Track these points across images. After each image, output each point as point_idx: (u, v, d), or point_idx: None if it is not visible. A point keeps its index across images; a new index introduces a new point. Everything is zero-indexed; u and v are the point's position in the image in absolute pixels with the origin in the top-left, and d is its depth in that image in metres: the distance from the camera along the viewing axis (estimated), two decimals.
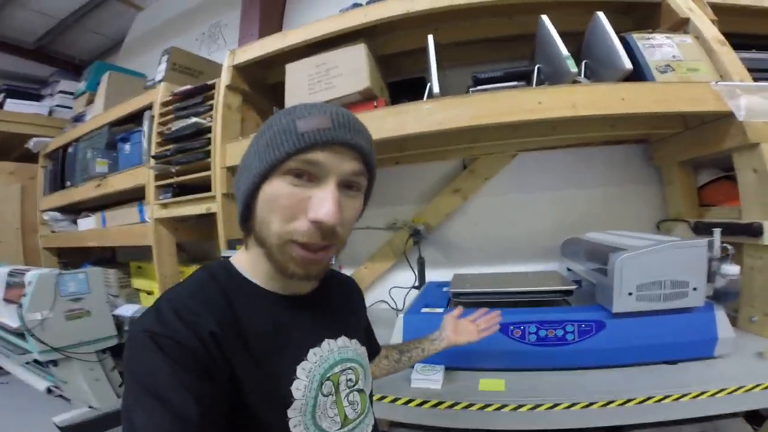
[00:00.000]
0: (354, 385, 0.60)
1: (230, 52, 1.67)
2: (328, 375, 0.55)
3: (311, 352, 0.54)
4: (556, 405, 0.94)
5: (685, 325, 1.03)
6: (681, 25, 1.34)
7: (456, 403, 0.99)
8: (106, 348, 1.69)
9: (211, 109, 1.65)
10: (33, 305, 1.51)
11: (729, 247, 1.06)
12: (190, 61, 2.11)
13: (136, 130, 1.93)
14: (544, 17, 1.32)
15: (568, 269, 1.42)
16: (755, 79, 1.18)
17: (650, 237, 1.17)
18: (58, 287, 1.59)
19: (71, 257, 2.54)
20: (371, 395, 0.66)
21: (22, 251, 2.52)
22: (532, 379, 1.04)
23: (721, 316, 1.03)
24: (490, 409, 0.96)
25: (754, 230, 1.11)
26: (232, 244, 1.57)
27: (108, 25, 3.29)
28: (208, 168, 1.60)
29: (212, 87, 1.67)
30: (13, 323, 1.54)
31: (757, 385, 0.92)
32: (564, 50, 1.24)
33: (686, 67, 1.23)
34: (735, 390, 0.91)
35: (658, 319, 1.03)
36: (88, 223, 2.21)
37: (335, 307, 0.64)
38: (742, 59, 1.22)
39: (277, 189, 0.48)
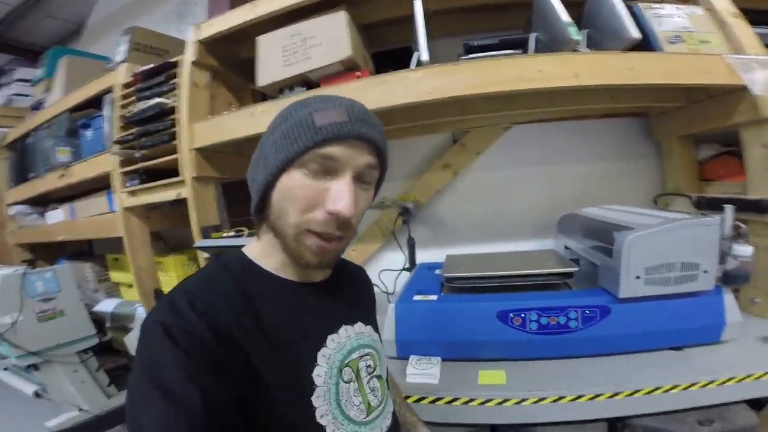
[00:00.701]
0: (373, 371, 0.58)
1: (195, 27, 1.46)
2: (347, 361, 0.54)
3: (329, 338, 0.53)
4: (560, 398, 0.85)
5: (693, 310, 0.94)
6: None
7: (455, 399, 0.89)
8: (89, 348, 1.55)
9: (176, 88, 1.45)
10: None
11: (742, 225, 0.95)
12: (154, 39, 1.88)
13: (97, 115, 1.71)
14: None
15: (566, 247, 1.31)
16: None
17: (653, 213, 1.05)
18: (25, 288, 1.43)
19: (45, 252, 2.34)
20: (387, 381, 0.64)
21: None
22: (534, 369, 0.95)
23: (729, 300, 0.94)
24: (491, 404, 0.87)
25: (763, 207, 1.02)
26: (206, 232, 1.41)
27: (68, 10, 2.96)
28: (175, 151, 1.42)
29: (175, 65, 1.47)
30: None
31: (766, 373, 0.84)
32: (565, 17, 1.12)
33: (697, 38, 1.14)
34: (744, 378, 0.84)
35: (665, 304, 0.93)
36: (56, 215, 2.01)
37: (349, 294, 0.62)
38: (757, 34, 1.12)
39: (295, 181, 0.47)
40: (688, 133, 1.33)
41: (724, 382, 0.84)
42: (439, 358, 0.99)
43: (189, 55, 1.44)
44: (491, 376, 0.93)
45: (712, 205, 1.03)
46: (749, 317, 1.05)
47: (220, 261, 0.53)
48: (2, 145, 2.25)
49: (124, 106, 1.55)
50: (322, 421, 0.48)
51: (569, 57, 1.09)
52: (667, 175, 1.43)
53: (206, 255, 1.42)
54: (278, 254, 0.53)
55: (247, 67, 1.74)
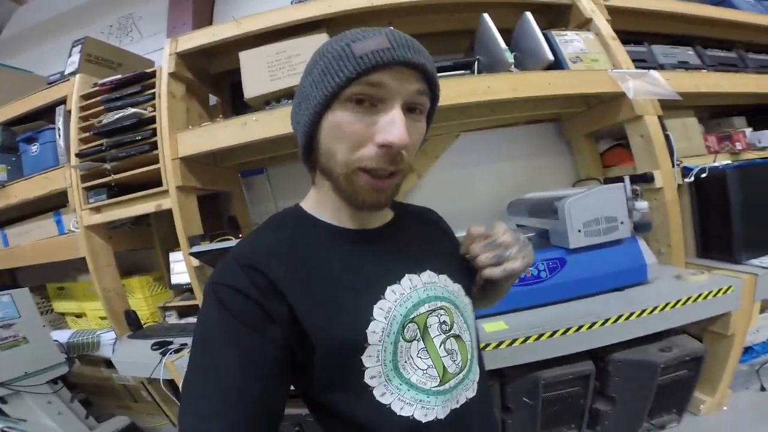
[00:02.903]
0: (449, 330, 0.47)
1: (171, 40, 1.39)
2: (411, 316, 0.44)
3: (389, 289, 0.44)
4: (554, 332, 0.99)
5: (621, 254, 1.16)
6: (585, 23, 1.50)
7: None
8: (57, 378, 1.29)
9: (152, 99, 1.34)
10: None
11: (637, 188, 1.25)
12: (106, 52, 1.70)
13: (46, 128, 1.47)
14: (486, 15, 1.38)
15: (517, 225, 1.52)
16: (637, 67, 1.40)
17: (578, 190, 1.30)
18: None
19: None
20: (478, 345, 0.53)
21: None
22: (524, 317, 1.08)
23: (643, 244, 1.19)
24: (503, 346, 0.98)
25: (648, 178, 1.33)
26: (194, 241, 1.30)
27: None
28: (155, 161, 1.30)
29: (152, 75, 1.36)
30: None
31: (699, 296, 1.06)
32: (503, 44, 1.32)
33: (590, 58, 1.40)
34: (675, 304, 1.04)
35: (601, 252, 1.15)
36: None
37: (415, 239, 0.53)
38: (627, 51, 1.43)
39: (341, 117, 0.41)
40: (590, 132, 1.64)
41: (663, 308, 1.04)
42: None
43: (166, 66, 1.36)
44: (494, 326, 1.04)
45: (616, 183, 1.30)
46: (662, 266, 1.26)
47: (275, 215, 0.50)
48: None
49: (84, 118, 1.37)
50: (370, 383, 0.42)
51: (508, 76, 1.31)
52: (579, 166, 1.75)
53: (196, 263, 1.30)
54: (332, 201, 0.47)
55: (216, 81, 1.70)
